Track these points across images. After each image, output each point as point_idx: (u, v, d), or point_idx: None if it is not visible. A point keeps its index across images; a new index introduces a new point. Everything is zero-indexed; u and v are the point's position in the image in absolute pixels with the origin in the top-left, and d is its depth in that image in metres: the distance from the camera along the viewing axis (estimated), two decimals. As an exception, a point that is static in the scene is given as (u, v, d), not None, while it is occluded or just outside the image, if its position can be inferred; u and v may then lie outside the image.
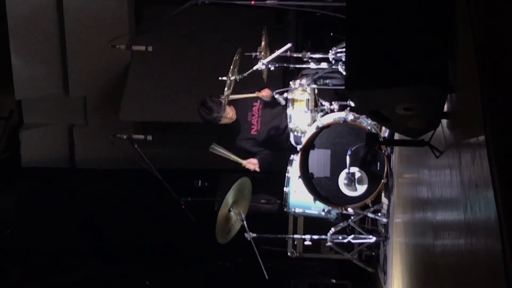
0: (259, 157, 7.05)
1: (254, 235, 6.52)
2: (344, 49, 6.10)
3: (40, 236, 8.92)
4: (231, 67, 6.12)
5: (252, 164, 7.01)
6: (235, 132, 7.06)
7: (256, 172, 7.05)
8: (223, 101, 6.73)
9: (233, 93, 6.44)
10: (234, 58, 6.17)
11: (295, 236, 7.13)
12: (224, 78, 6.29)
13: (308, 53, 6.48)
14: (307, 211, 6.66)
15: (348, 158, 6.12)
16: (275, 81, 7.32)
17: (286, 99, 6.60)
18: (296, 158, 6.53)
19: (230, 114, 6.90)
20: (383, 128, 6.27)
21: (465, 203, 3.12)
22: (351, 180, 6.19)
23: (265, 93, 6.80)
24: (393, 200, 6.20)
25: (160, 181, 6.76)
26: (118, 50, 6.91)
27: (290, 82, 6.59)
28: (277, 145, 7.09)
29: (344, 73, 6.18)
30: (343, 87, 6.02)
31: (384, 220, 6.42)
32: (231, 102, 6.82)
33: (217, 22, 9.68)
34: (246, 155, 7.13)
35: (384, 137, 6.21)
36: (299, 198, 6.60)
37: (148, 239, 8.80)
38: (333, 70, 6.43)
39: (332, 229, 6.59)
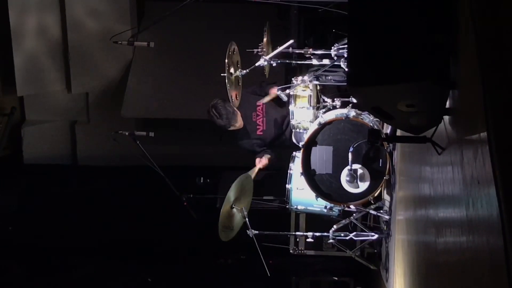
0: (265, 154, 7.02)
1: (256, 232, 6.51)
2: (346, 46, 6.08)
3: (41, 233, 8.93)
4: (226, 61, 6.10)
5: (262, 163, 6.98)
6: (240, 134, 7.05)
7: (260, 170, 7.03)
8: (236, 111, 6.74)
9: (236, 89, 6.42)
10: (228, 52, 6.15)
11: (297, 233, 7.13)
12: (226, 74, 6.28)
13: (310, 50, 6.46)
14: (309, 208, 6.65)
15: (350, 154, 6.11)
16: (277, 77, 7.31)
17: (288, 96, 6.59)
18: (298, 155, 6.52)
19: (239, 122, 6.89)
20: (385, 124, 6.26)
21: (467, 200, 3.11)
22: (353, 177, 6.18)
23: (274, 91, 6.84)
24: (395, 197, 6.19)
25: (162, 178, 6.75)
26: (120, 46, 6.90)
27: (293, 79, 6.58)
28: (281, 143, 7.09)
29: (346, 69, 6.16)
30: (345, 84, 6.02)
31: (386, 217, 6.41)
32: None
33: (219, 18, 9.67)
34: (249, 155, 7.14)
35: (386, 134, 6.20)
36: (301, 195, 6.59)
37: (150, 236, 8.81)
38: (335, 66, 6.43)
39: (334, 226, 6.58)
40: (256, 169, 6.92)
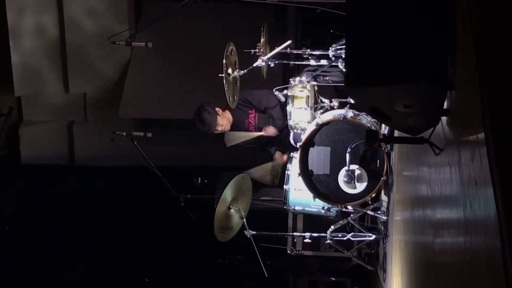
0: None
1: (254, 232, 6.51)
2: (344, 46, 6.08)
3: (39, 233, 8.92)
4: (224, 61, 6.11)
5: (269, 131, 7.00)
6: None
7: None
8: (218, 112, 6.82)
9: (234, 89, 6.43)
10: (226, 53, 6.16)
11: (295, 233, 7.13)
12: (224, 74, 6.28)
13: (308, 50, 6.46)
14: (307, 208, 6.65)
15: (347, 155, 6.11)
16: (274, 78, 7.31)
17: (285, 96, 6.60)
18: (295, 156, 6.52)
19: (224, 126, 6.95)
20: (383, 125, 6.26)
21: (464, 201, 3.11)
22: (351, 178, 6.18)
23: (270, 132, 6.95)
24: (392, 197, 6.19)
25: (159, 178, 6.75)
26: (117, 46, 6.89)
27: (290, 79, 6.58)
28: (278, 144, 7.12)
29: (344, 70, 6.16)
30: (343, 84, 6.02)
31: (384, 217, 6.41)
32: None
33: (216, 19, 9.67)
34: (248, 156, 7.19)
35: (383, 135, 6.19)
36: (299, 195, 6.59)
37: (147, 236, 8.80)
38: (333, 67, 6.43)
39: (332, 227, 6.58)
40: (255, 134, 6.99)
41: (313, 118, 6.49)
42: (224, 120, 6.98)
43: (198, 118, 6.96)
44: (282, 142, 7.09)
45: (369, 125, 6.23)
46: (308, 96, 6.46)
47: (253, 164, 7.11)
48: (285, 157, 7.03)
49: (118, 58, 9.77)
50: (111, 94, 9.86)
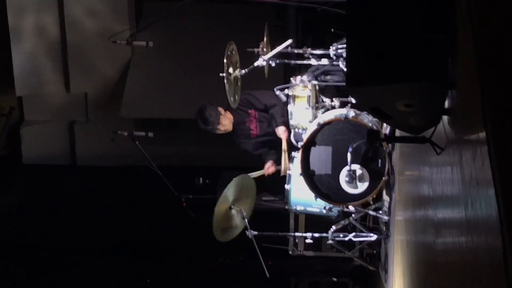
0: (268, 158, 7.05)
1: (255, 233, 6.50)
2: (344, 45, 6.07)
3: (41, 233, 8.91)
4: (225, 61, 6.10)
5: (270, 169, 7.01)
6: (235, 137, 7.12)
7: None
8: (221, 112, 6.81)
9: (235, 89, 6.42)
10: (227, 52, 6.15)
11: (296, 234, 7.12)
12: (225, 74, 6.27)
13: (309, 49, 6.45)
14: (308, 208, 6.64)
15: (349, 155, 6.09)
16: (275, 77, 7.30)
17: (287, 96, 6.59)
18: (297, 155, 6.51)
19: (226, 126, 6.94)
20: (384, 125, 6.24)
21: (466, 201, 3.10)
22: (352, 178, 6.16)
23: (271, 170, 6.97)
24: (394, 197, 6.18)
25: (161, 178, 6.74)
26: (118, 46, 6.90)
27: (291, 78, 6.57)
28: (277, 145, 7.12)
29: (345, 69, 6.15)
30: (344, 84, 6.01)
31: (385, 217, 6.40)
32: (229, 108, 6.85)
33: (217, 18, 9.67)
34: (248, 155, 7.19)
35: (385, 134, 6.19)
36: (300, 195, 6.58)
37: (148, 236, 8.80)
38: (334, 66, 6.42)
39: (333, 227, 6.56)
40: (259, 173, 6.96)
41: (314, 117, 6.48)
42: (226, 120, 6.97)
43: (200, 117, 6.94)
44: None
45: (370, 124, 6.22)
46: (310, 96, 6.45)
47: (254, 163, 7.11)
48: (272, 169, 7.00)
49: (119, 57, 9.78)
50: (112, 94, 9.87)
